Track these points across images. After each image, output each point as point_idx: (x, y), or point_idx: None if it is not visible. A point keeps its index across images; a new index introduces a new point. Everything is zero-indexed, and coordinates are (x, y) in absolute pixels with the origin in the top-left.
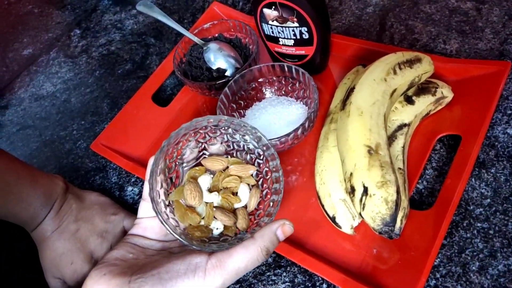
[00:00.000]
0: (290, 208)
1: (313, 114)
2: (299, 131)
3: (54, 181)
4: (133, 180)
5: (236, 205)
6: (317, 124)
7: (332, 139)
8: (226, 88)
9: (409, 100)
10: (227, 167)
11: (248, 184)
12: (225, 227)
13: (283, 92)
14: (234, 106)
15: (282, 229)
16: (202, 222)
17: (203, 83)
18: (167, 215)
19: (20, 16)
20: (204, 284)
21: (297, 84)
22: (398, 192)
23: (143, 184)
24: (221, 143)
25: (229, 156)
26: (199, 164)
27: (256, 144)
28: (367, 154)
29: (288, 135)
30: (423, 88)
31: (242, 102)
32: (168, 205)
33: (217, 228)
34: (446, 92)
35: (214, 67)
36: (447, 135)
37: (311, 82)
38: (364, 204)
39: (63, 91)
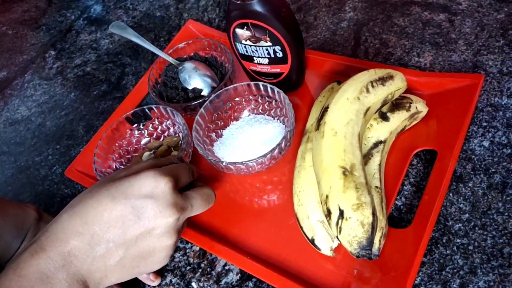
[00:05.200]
0: (269, 230)
1: (289, 133)
2: (276, 151)
3: (25, 211)
4: None
5: None
6: (295, 141)
7: (309, 159)
8: (202, 109)
9: (383, 117)
10: (161, 144)
11: (178, 151)
12: None
13: (260, 111)
14: (211, 126)
15: None
16: None
17: (178, 104)
18: None
19: None
20: None
21: (273, 103)
22: (374, 214)
23: None
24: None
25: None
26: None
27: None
28: (342, 176)
29: (264, 156)
30: (397, 104)
31: (219, 122)
32: None
33: None
34: (420, 107)
35: (190, 87)
36: (424, 150)
37: (286, 101)
38: (340, 227)
39: (38, 115)
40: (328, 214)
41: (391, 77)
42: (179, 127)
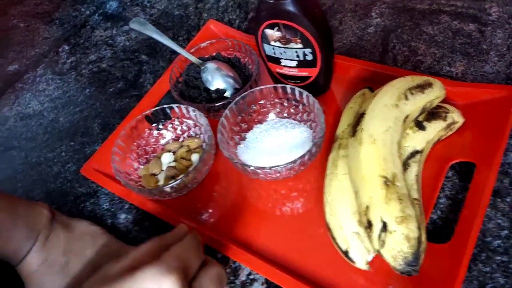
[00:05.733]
0: (297, 239)
1: (320, 140)
2: (306, 157)
3: (37, 210)
4: (126, 207)
5: (191, 168)
6: (322, 148)
7: (341, 166)
8: (227, 111)
9: (420, 126)
10: (182, 145)
11: (199, 153)
12: None
13: (285, 115)
14: (235, 128)
15: None
16: (161, 184)
17: (201, 105)
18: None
19: (5, 31)
20: None
21: (300, 107)
22: (419, 227)
23: (137, 211)
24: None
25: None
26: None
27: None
28: (383, 186)
29: (294, 161)
30: (433, 113)
31: (242, 125)
32: (138, 181)
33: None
34: (456, 117)
35: (212, 88)
36: (459, 162)
37: (316, 105)
38: (383, 241)
39: (50, 110)
40: (369, 226)
41: (429, 85)
42: (201, 128)
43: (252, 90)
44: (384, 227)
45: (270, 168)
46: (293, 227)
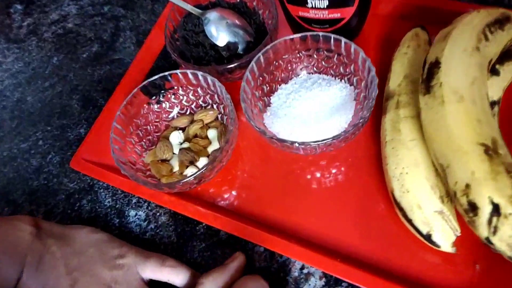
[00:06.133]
0: (352, 220)
1: (370, 102)
2: (360, 124)
3: (16, 227)
4: (134, 201)
5: (210, 148)
6: None
7: (406, 131)
8: (248, 73)
9: (493, 71)
10: (193, 120)
11: (217, 128)
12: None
13: (315, 70)
14: (257, 93)
15: None
16: (176, 170)
17: (213, 67)
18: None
19: None
20: None
21: (335, 58)
22: None
23: (149, 205)
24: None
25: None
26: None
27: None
28: (485, 157)
29: (347, 131)
30: (506, 53)
31: (264, 87)
32: (147, 170)
33: (191, 174)
34: None
35: (219, 43)
36: None
37: (361, 55)
38: (495, 226)
39: (13, 88)
40: (472, 209)
41: (507, 19)
42: (215, 97)
43: (274, 43)
44: (496, 209)
45: (319, 142)
46: (344, 206)
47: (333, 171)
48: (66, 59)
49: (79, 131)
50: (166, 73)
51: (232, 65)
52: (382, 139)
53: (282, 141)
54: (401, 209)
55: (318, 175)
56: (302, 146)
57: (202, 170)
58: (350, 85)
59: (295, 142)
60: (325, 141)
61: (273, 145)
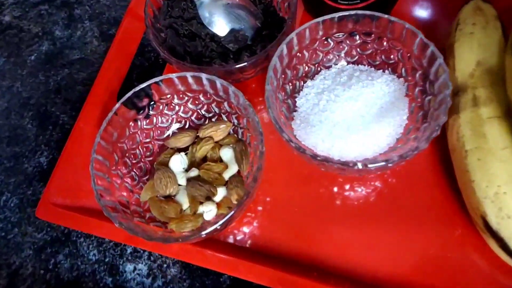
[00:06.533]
0: (419, 251)
1: (446, 102)
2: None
3: None
4: (129, 250)
5: (227, 174)
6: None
7: (495, 136)
8: (271, 72)
9: None
10: (197, 137)
11: (232, 146)
12: (218, 205)
13: (348, 60)
14: (280, 96)
15: None
16: (187, 210)
17: (219, 67)
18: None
19: None
20: None
21: (374, 43)
22: None
23: (150, 255)
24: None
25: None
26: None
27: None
28: None
29: (425, 142)
30: None
31: (287, 87)
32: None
33: (209, 211)
34: None
35: (220, 32)
36: None
37: (419, 37)
38: None
39: None
40: None
41: None
42: (227, 105)
43: (299, 29)
44: None
45: (395, 159)
46: (407, 233)
47: (388, 187)
48: (8, 64)
49: (39, 160)
50: (157, 79)
51: (246, 63)
52: (457, 146)
53: (343, 163)
54: (500, 239)
55: (362, 192)
56: (371, 168)
57: (232, 213)
58: (396, 76)
59: (357, 163)
60: (402, 158)
61: (320, 167)
